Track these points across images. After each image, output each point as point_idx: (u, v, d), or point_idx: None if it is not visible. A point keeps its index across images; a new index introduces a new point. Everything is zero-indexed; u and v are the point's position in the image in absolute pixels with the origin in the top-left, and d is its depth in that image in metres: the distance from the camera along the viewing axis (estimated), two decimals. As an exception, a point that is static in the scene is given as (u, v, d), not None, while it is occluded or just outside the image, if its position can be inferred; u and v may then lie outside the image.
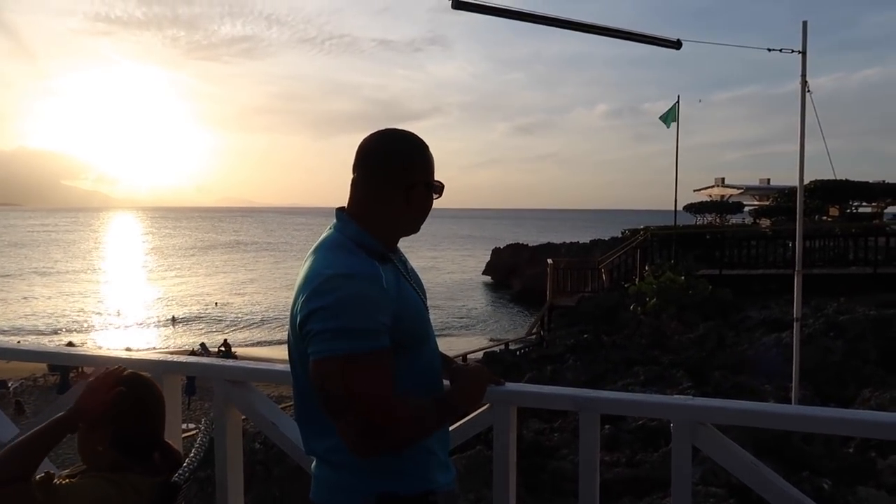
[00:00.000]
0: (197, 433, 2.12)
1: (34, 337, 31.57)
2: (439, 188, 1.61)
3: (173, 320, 36.72)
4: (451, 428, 2.20)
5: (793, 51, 6.96)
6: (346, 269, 1.43)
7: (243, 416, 2.52)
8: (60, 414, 1.72)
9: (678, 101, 23.31)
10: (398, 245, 1.67)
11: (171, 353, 23.75)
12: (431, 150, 1.62)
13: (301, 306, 1.45)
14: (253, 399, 2.44)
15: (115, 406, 1.71)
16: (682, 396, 2.11)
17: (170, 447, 1.86)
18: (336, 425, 1.44)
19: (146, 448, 1.78)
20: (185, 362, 2.59)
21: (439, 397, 1.57)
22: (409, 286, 1.59)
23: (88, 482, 1.64)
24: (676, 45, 6.57)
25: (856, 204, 31.00)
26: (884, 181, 31.93)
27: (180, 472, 1.82)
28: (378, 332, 1.41)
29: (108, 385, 1.72)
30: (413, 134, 1.60)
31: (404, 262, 1.66)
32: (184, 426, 2.85)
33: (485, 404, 2.18)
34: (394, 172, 1.54)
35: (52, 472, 1.65)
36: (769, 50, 7.18)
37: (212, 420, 2.29)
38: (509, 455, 2.15)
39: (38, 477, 1.58)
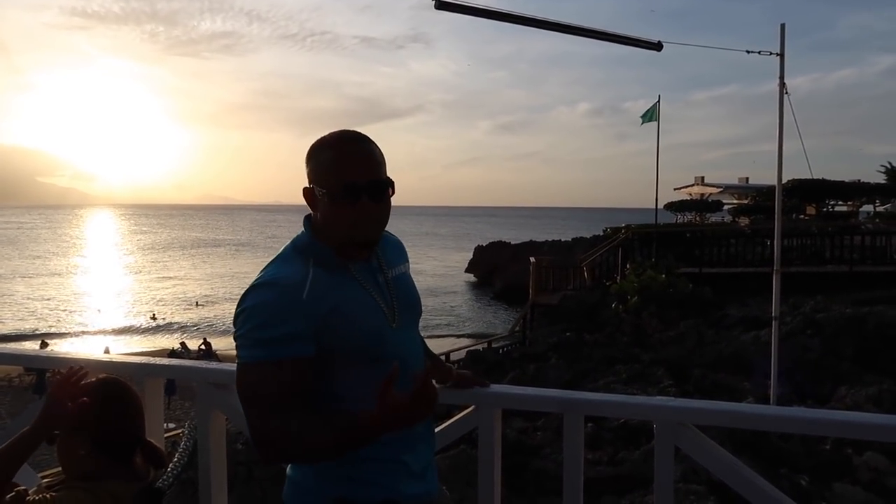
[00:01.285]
0: (179, 434, 2.11)
1: (10, 336, 31.08)
2: (337, 192, 1.45)
3: (154, 319, 36.39)
4: (434, 431, 2.21)
5: (771, 53, 7.05)
6: (268, 277, 1.45)
7: (226, 419, 2.51)
8: (28, 426, 1.71)
9: (658, 101, 23.55)
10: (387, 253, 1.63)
11: (153, 353, 23.54)
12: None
13: None
14: (236, 402, 2.42)
15: (91, 410, 1.70)
16: (663, 398, 2.13)
17: (153, 446, 1.86)
18: None
19: (129, 449, 1.77)
20: (168, 365, 2.57)
21: (345, 418, 1.38)
22: (370, 299, 1.51)
23: (63, 496, 1.63)
24: (657, 46, 6.64)
25: (832, 203, 31.51)
26: (859, 181, 32.47)
27: (164, 477, 1.81)
28: (279, 342, 1.39)
29: (72, 392, 1.72)
30: (341, 132, 1.51)
31: (377, 272, 1.57)
32: (165, 426, 2.83)
33: (470, 406, 2.20)
34: (310, 175, 1.51)
35: (23, 488, 1.63)
36: (748, 52, 7.28)
37: (195, 423, 2.28)
38: (494, 457, 2.17)
39: (8, 496, 1.57)
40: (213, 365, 2.52)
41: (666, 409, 2.03)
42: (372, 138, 1.53)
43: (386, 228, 1.60)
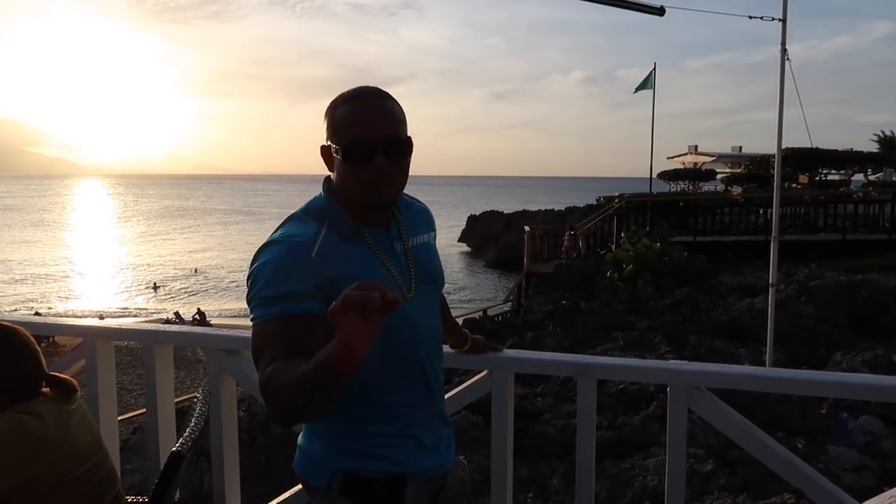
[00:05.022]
0: (187, 399, 2.11)
1: (11, 304, 31.01)
2: (351, 148, 1.38)
3: (155, 288, 36.32)
4: (449, 395, 2.22)
5: (773, 18, 6.98)
6: (278, 236, 1.41)
7: (237, 384, 2.51)
8: None
9: (654, 69, 23.34)
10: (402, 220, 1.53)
11: (148, 322, 23.43)
12: (408, 116, 1.44)
13: None
14: (247, 368, 2.42)
15: None
16: (678, 361, 2.15)
17: (59, 379, 1.82)
18: None
19: (29, 390, 1.75)
20: (178, 332, 2.57)
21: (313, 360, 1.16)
22: (380, 267, 1.44)
23: None
24: (659, 11, 6.56)
25: (825, 171, 31.56)
26: (852, 149, 32.49)
27: (182, 441, 1.82)
28: (284, 299, 1.31)
29: None
30: (360, 87, 1.44)
31: (395, 240, 1.50)
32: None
33: (483, 371, 2.20)
34: (326, 132, 1.45)
35: None
36: (750, 17, 7.22)
37: (208, 389, 2.28)
38: (507, 420, 2.18)
39: None
40: (224, 331, 2.51)
41: (680, 372, 2.04)
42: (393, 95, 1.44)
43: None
